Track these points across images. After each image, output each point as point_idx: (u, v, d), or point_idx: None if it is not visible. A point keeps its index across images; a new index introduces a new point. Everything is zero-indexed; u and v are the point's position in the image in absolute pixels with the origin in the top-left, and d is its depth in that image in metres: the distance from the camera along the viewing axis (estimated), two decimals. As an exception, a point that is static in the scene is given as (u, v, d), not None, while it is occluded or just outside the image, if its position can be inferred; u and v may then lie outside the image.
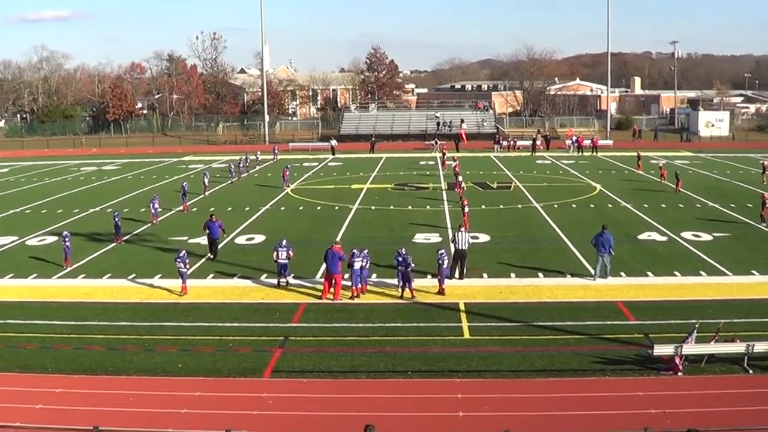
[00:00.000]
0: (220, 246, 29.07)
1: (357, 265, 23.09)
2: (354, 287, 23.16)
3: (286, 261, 24.39)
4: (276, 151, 68.64)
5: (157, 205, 36.88)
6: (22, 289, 25.10)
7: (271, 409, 15.47)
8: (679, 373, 16.86)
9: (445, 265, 23.53)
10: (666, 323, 20.28)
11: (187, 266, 24.20)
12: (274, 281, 24.66)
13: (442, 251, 24.06)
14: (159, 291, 24.28)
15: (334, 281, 23.11)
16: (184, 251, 24.68)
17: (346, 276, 23.56)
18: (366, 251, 23.88)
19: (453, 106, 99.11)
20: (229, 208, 40.28)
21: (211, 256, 28.30)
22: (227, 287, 24.78)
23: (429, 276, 24.71)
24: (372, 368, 17.68)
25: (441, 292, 23.40)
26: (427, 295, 23.25)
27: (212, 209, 28.48)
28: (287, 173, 49.26)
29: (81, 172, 61.53)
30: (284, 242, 24.75)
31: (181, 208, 40.13)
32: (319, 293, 23.45)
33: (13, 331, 20.53)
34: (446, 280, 23.69)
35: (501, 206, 40.07)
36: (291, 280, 24.69)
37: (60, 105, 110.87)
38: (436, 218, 36.68)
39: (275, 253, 24.58)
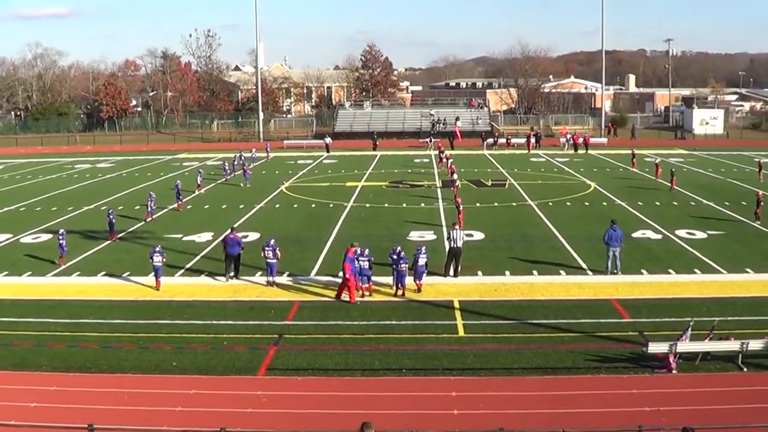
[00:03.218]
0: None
1: (365, 264, 23.03)
2: (366, 285, 23.17)
3: (274, 260, 24.32)
4: (268, 149, 68.52)
5: (152, 204, 37.03)
6: (17, 286, 25.02)
7: (266, 407, 15.46)
8: (674, 371, 16.90)
9: (421, 263, 23.43)
10: (660, 321, 20.34)
11: (163, 261, 24.35)
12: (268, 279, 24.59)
13: (421, 248, 24.02)
14: (153, 289, 24.19)
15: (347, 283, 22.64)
16: (159, 245, 24.69)
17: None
18: (367, 250, 23.83)
19: (447, 103, 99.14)
20: (224, 206, 40.33)
21: (231, 275, 25.20)
22: (221, 285, 24.73)
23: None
24: (366, 366, 17.68)
25: (418, 289, 23.37)
26: (421, 294, 23.24)
27: (234, 225, 27.53)
28: (247, 170, 50.12)
29: (75, 169, 61.36)
30: (272, 242, 24.68)
31: (176, 206, 40.09)
32: (314, 291, 23.48)
33: (8, 329, 20.48)
34: (429, 277, 23.73)
35: (495, 204, 40.08)
36: (278, 280, 24.54)
37: (54, 102, 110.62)
38: (431, 216, 36.68)
39: (262, 252, 24.58)
